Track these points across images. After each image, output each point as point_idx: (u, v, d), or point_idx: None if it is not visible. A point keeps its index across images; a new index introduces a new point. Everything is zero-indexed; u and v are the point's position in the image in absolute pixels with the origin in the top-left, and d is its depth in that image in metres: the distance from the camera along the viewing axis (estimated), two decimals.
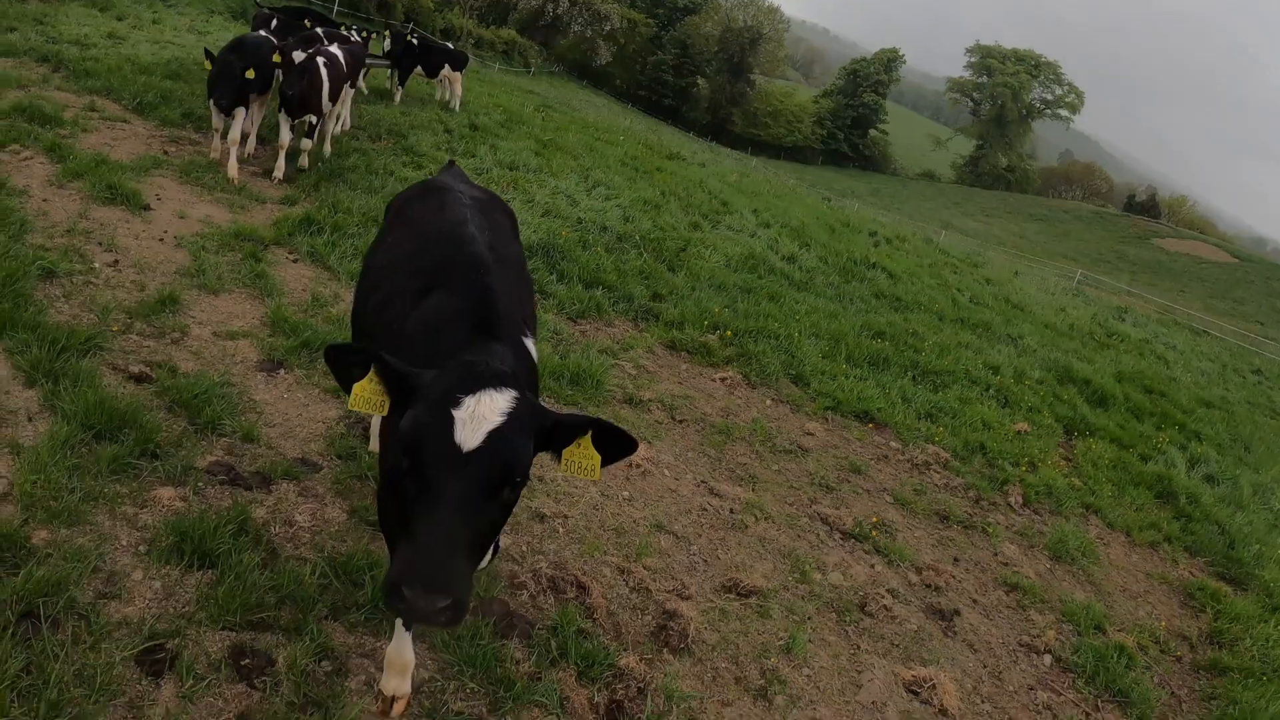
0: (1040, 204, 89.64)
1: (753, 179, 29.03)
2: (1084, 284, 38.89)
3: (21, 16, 14.51)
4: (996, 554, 6.79)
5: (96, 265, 6.75)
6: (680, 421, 7.33)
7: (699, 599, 5.02)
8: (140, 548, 4.15)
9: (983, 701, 5.02)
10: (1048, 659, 5.63)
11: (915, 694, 4.83)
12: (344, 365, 2.88)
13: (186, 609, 3.87)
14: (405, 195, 4.78)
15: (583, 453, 2.91)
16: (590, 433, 2.90)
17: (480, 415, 2.60)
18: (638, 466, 6.26)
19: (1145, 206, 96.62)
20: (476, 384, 2.68)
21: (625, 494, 5.93)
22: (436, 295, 3.44)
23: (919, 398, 9.51)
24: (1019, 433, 9.53)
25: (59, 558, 3.89)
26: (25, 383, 5.04)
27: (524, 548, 5.00)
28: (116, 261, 6.92)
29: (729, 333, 9.56)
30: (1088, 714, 5.25)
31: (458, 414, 2.59)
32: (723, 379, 8.49)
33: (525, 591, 4.62)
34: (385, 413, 2.89)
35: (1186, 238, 79.67)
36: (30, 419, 4.79)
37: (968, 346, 12.43)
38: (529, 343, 3.45)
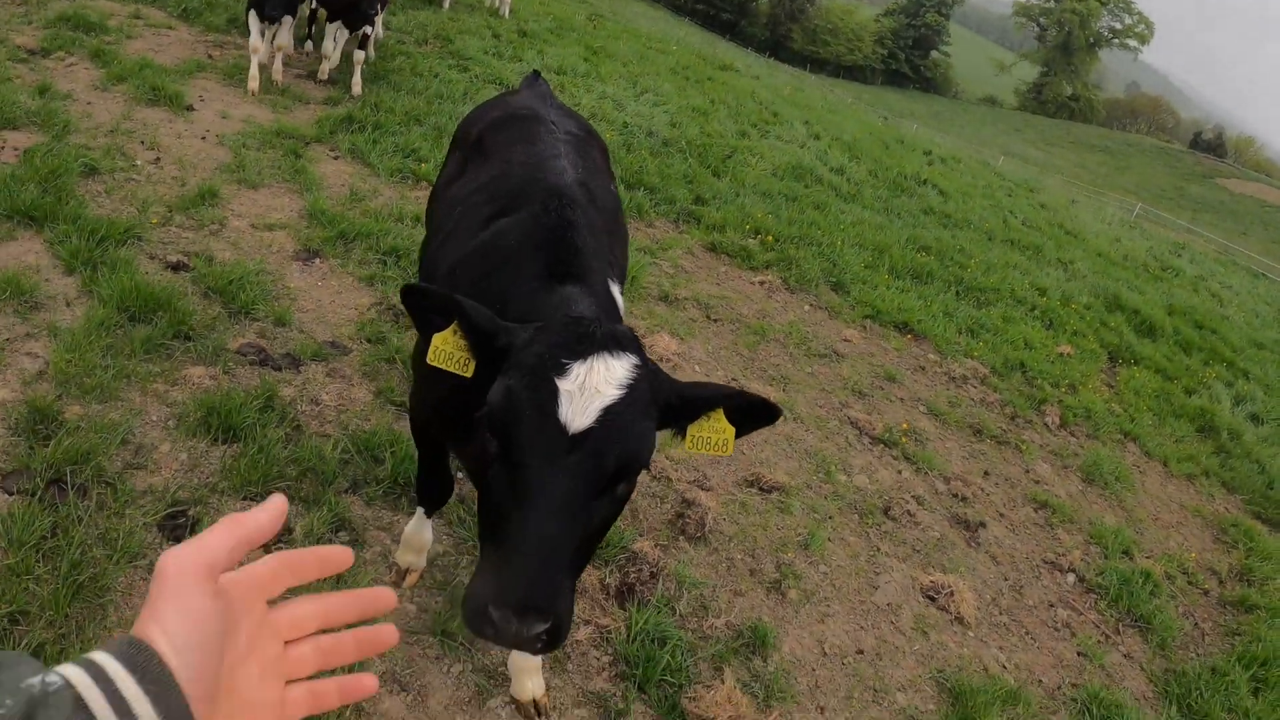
0: (1103, 135, 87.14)
1: (807, 93, 28.44)
2: (1143, 218, 37.92)
3: None
4: (1028, 471, 6.72)
5: (139, 163, 6.83)
6: (715, 320, 7.28)
7: (720, 491, 5.03)
8: (169, 422, 4.26)
9: (1000, 613, 4.99)
10: (1071, 578, 5.59)
11: (932, 599, 4.81)
12: (421, 310, 2.27)
13: (210, 479, 3.97)
14: (483, 120, 3.92)
15: (713, 426, 2.34)
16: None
17: (592, 387, 2.01)
18: (667, 360, 6.23)
19: (1211, 145, 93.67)
20: (587, 347, 2.07)
21: None
22: (505, 221, 2.88)
23: (961, 313, 9.37)
24: (1061, 355, 9.36)
25: (89, 430, 3.99)
26: (65, 271, 5.15)
27: None
28: (158, 159, 7.00)
29: (770, 238, 9.43)
30: (1106, 635, 5.21)
31: (564, 385, 2.00)
32: (761, 282, 8.42)
33: None
34: (470, 374, 2.29)
35: (1251, 179, 77.19)
36: (69, 304, 4.90)
37: (1016, 267, 12.19)
38: (616, 290, 2.82)
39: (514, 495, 1.98)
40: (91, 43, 9.04)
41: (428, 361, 2.27)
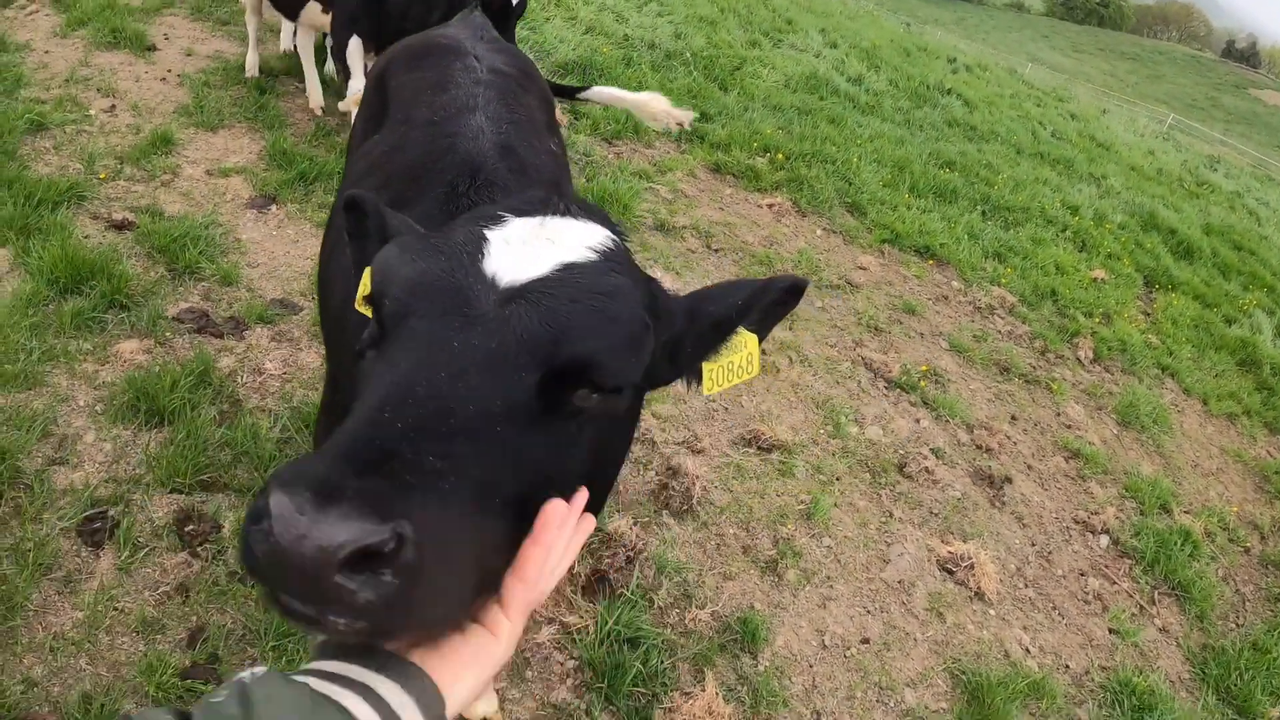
0: (1134, 43, 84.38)
1: None
2: (1175, 129, 36.49)
3: None
4: (1059, 414, 6.19)
5: (92, 113, 6.39)
6: (716, 251, 6.71)
7: (713, 453, 4.54)
8: (97, 407, 3.88)
9: (1025, 585, 4.51)
10: (1104, 540, 5.09)
11: (950, 573, 4.32)
12: (360, 233, 1.60)
13: (135, 471, 3.58)
14: (391, 56, 3.18)
15: (731, 345, 1.62)
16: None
17: (544, 237, 1.35)
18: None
19: (1244, 54, 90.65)
20: (537, 210, 1.43)
21: None
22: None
23: (988, 235, 8.76)
24: (1095, 280, 8.77)
25: (9, 425, 3.64)
26: None
27: None
28: (113, 107, 6.54)
29: (781, 155, 8.79)
30: (1141, 607, 4.74)
31: (494, 233, 1.35)
32: (770, 205, 7.81)
33: None
34: None
35: None
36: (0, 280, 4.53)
37: (1046, 183, 11.50)
38: None
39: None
40: None
41: (356, 304, 1.52)
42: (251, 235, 5.36)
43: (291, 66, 7.87)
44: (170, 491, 3.50)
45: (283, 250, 5.29)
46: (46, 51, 7.28)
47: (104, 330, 4.31)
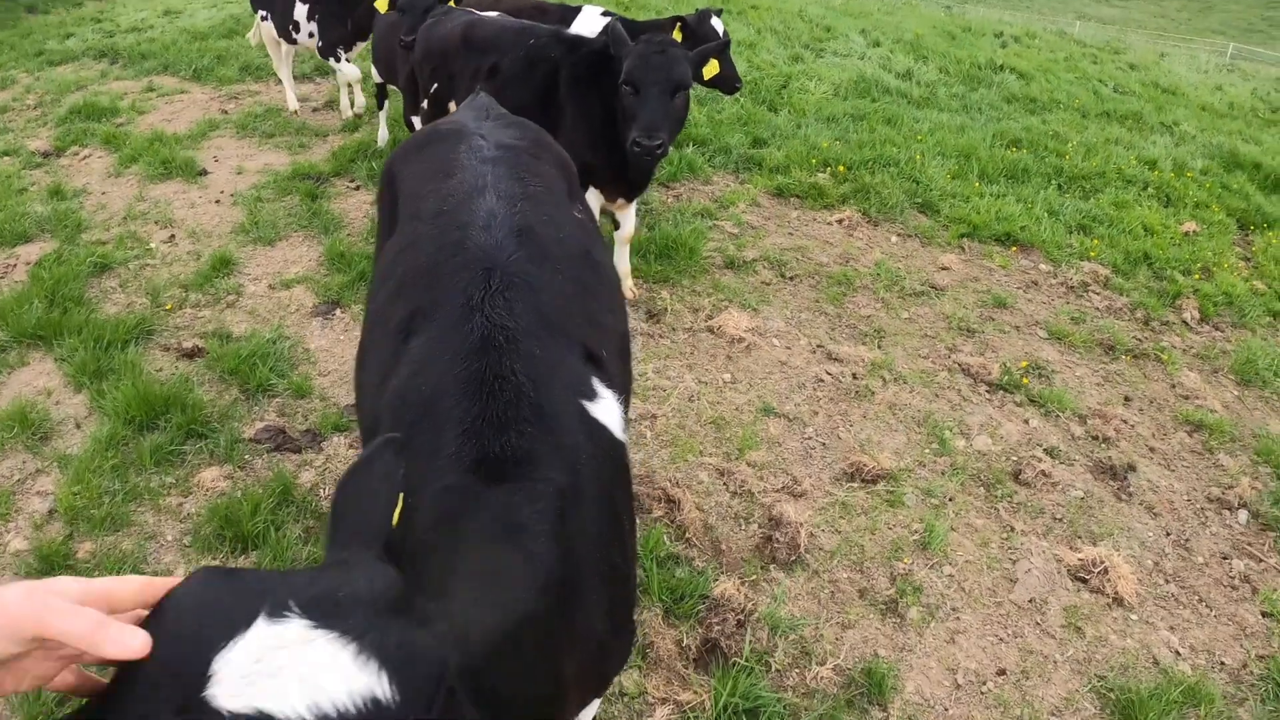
0: None
1: None
2: (1238, 59, 34.89)
3: (79, 21, 14.59)
4: (1174, 385, 5.76)
5: (153, 245, 6.56)
6: (791, 279, 6.47)
7: (814, 494, 4.31)
8: (184, 540, 3.92)
9: (1166, 581, 4.13)
10: (1243, 515, 4.64)
11: (1083, 581, 3.98)
12: None
13: None
14: (396, 151, 3.09)
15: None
16: None
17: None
18: (740, 340, 5.49)
19: None
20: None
21: (726, 376, 5.20)
22: (417, 344, 2.01)
23: (1067, 208, 8.31)
24: (1186, 234, 8.25)
25: (102, 568, 3.69)
26: (74, 388, 4.92)
27: None
28: (172, 236, 6.72)
29: (842, 167, 8.50)
30: None
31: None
32: (839, 220, 7.52)
33: None
34: None
35: None
36: (78, 425, 4.66)
37: (1117, 142, 10.93)
38: (605, 407, 1.98)
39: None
40: (103, 130, 8.87)
41: None
42: (319, 343, 5.37)
43: (339, 168, 7.96)
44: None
45: (351, 353, 5.25)
46: (103, 192, 7.54)
47: (184, 462, 4.36)
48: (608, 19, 7.02)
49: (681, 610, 3.52)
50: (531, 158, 2.66)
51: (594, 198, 5.32)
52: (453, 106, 5.73)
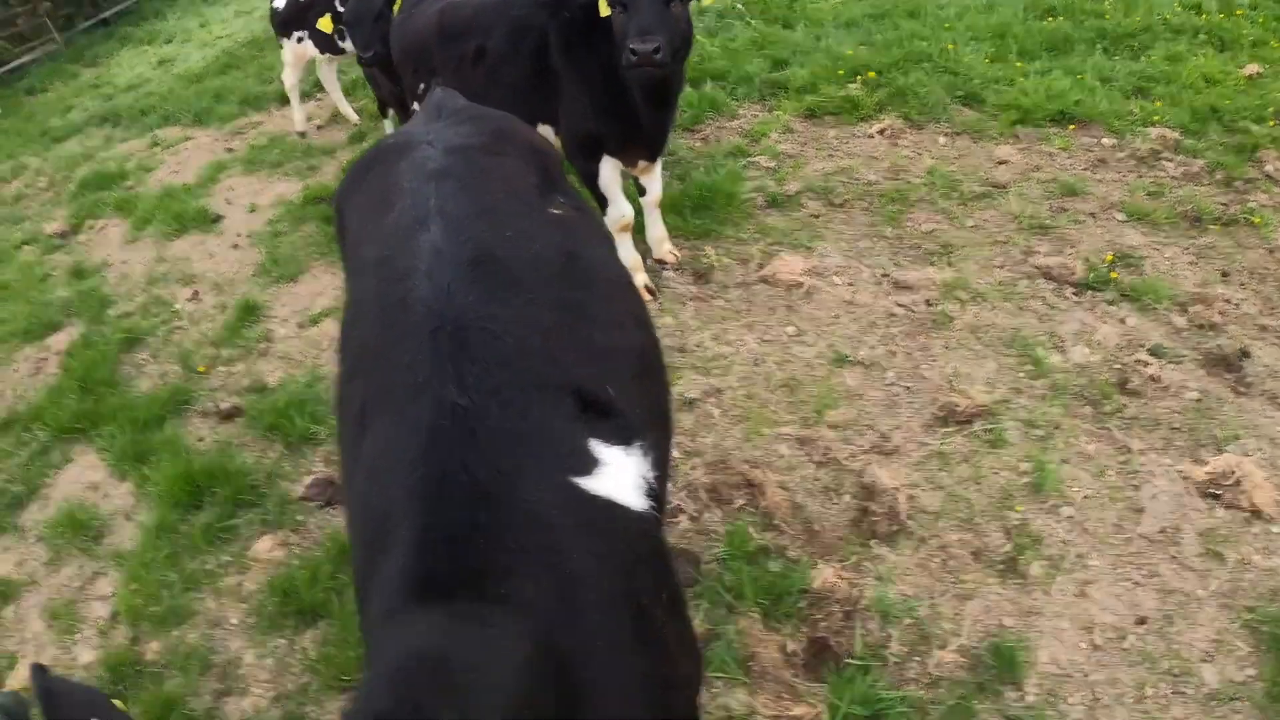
0: None
1: None
2: None
3: (78, 91, 14.57)
4: (1273, 250, 5.16)
5: (178, 306, 6.41)
6: (840, 206, 5.97)
7: (907, 449, 3.87)
8: (249, 621, 3.75)
9: None
10: None
11: (1215, 498, 3.50)
12: None
13: (302, 680, 3.41)
14: (346, 177, 2.77)
15: None
16: None
17: None
18: (798, 286, 5.05)
19: None
20: None
21: (790, 329, 4.75)
22: (371, 441, 1.73)
23: (1120, 72, 7.62)
24: (1250, 78, 7.52)
25: (172, 666, 3.60)
26: (119, 477, 4.79)
27: (674, 454, 3.96)
28: (196, 293, 6.54)
29: (872, 74, 7.90)
30: None
31: None
32: (880, 131, 6.96)
33: (683, 515, 3.62)
34: None
35: None
36: (128, 517, 4.53)
37: None
38: (607, 484, 1.63)
39: None
40: (114, 197, 8.78)
41: None
42: None
43: None
44: (340, 691, 3.29)
45: None
46: (123, 261, 7.44)
47: (237, 535, 4.20)
48: None
49: (782, 611, 3.17)
50: (490, 155, 2.29)
51: (611, 167, 4.89)
52: None
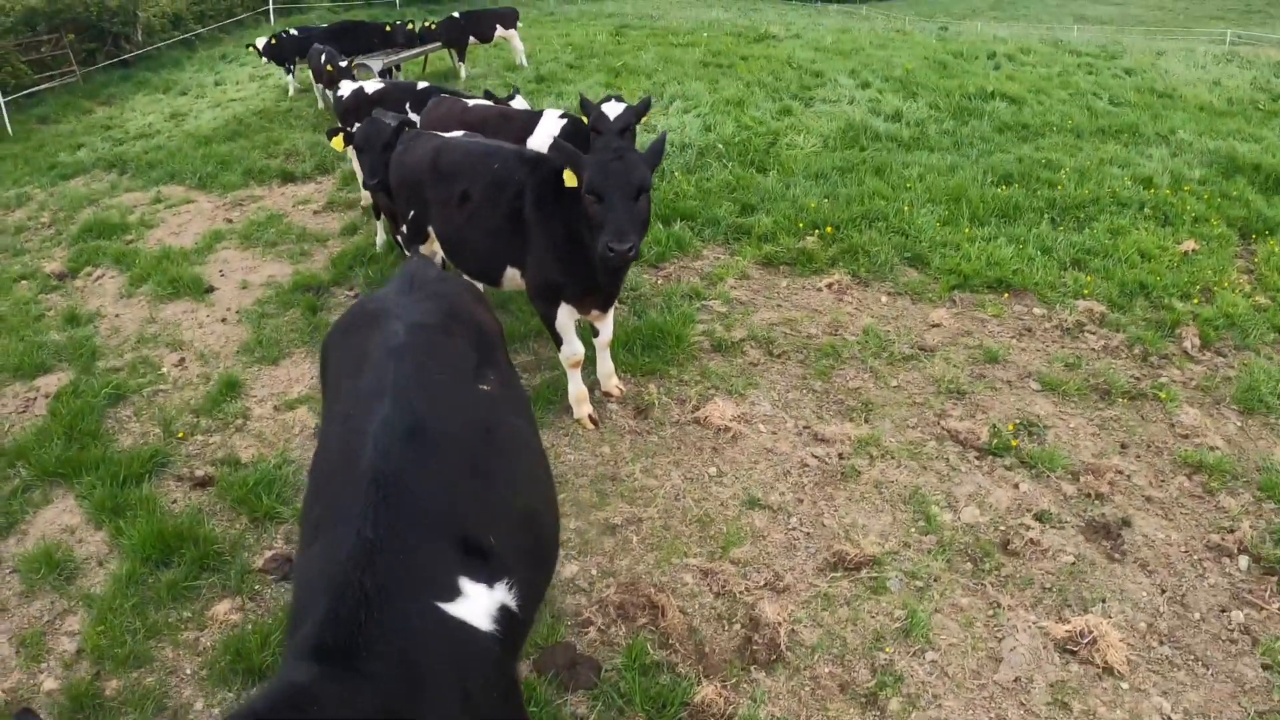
0: None
1: (852, 34, 26.74)
2: (1237, 45, 34.35)
3: (90, 129, 15.09)
4: (1173, 425, 5.73)
5: (164, 370, 6.88)
6: (778, 356, 6.52)
7: (797, 588, 4.41)
8: (202, 673, 4.15)
9: (1160, 643, 4.13)
10: (1243, 561, 4.63)
11: (1071, 653, 4.00)
12: None
13: None
14: (335, 328, 3.45)
15: None
16: None
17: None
18: (726, 430, 5.59)
19: None
20: None
21: (712, 469, 5.31)
22: (312, 552, 2.39)
23: (1061, 243, 8.32)
24: (1186, 254, 8.16)
25: (128, 705, 3.98)
26: (95, 526, 5.20)
27: (593, 572, 4.54)
28: (182, 360, 7.01)
29: (830, 229, 8.57)
30: None
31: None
32: (829, 285, 7.58)
33: (593, 627, 4.16)
34: None
35: None
36: (100, 563, 4.94)
37: (1112, 162, 10.88)
38: (463, 609, 2.23)
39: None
40: (114, 248, 9.26)
41: None
42: None
43: (338, 275, 8.24)
44: None
45: None
46: (116, 315, 7.88)
47: (198, 596, 4.59)
48: (564, 121, 7.24)
49: (664, 719, 3.65)
50: (442, 335, 3.00)
51: (567, 312, 5.45)
52: (431, 231, 5.98)
